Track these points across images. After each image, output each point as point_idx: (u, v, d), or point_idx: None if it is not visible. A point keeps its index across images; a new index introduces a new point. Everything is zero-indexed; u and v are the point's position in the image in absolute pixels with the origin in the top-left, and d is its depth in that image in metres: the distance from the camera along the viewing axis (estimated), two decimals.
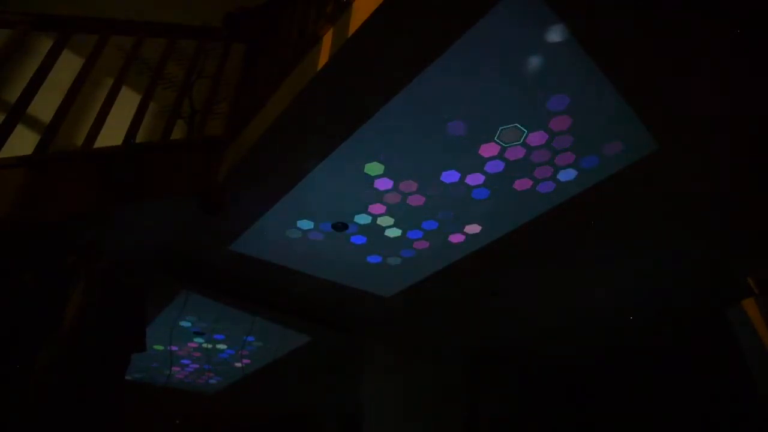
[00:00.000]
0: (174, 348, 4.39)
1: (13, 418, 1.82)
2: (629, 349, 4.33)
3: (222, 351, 4.52)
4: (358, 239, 3.08)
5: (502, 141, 2.36)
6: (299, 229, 2.98)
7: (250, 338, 4.25)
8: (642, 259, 3.12)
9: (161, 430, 5.12)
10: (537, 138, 2.33)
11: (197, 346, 4.42)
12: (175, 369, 4.82)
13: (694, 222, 2.76)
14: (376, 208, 2.80)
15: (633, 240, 2.94)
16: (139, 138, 2.39)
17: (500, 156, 2.44)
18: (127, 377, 2.45)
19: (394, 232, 3.01)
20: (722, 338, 3.00)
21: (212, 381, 5.18)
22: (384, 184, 2.64)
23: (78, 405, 2.04)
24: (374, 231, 3.00)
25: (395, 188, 2.66)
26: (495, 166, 2.50)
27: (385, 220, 2.91)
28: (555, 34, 1.86)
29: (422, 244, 3.10)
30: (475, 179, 2.58)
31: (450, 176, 2.57)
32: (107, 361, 2.30)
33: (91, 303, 2.16)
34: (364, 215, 2.86)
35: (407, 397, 4.24)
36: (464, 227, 2.93)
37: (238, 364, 4.72)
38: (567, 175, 2.52)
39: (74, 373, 2.03)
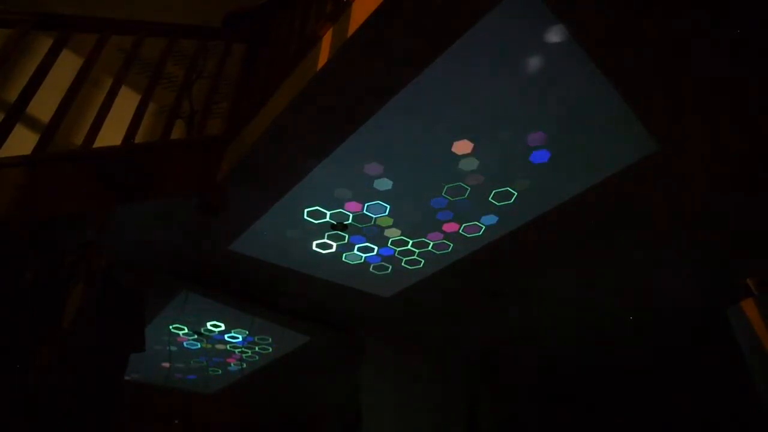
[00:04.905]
0: (173, 348, 4.39)
1: (14, 418, 1.81)
2: (628, 349, 4.33)
3: (221, 351, 4.51)
4: (358, 239, 3.08)
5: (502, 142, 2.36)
6: (299, 230, 2.98)
7: (249, 338, 4.25)
8: (642, 260, 3.12)
9: (160, 430, 5.11)
10: (537, 138, 2.33)
11: (196, 345, 4.42)
12: (174, 369, 4.82)
13: (693, 222, 2.76)
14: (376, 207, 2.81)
15: (633, 240, 2.94)
16: (139, 138, 2.39)
17: (500, 156, 2.44)
18: (126, 377, 2.45)
19: (393, 233, 3.01)
20: (722, 338, 3.01)
21: (211, 381, 5.18)
22: (383, 184, 2.64)
23: (77, 404, 2.04)
24: (374, 231, 3.00)
25: (395, 188, 2.66)
26: (495, 167, 2.50)
27: (384, 221, 2.91)
28: (555, 35, 1.86)
29: (422, 244, 3.10)
30: (475, 179, 2.58)
31: (450, 176, 2.57)
32: (106, 361, 2.30)
33: (91, 303, 2.16)
34: (364, 215, 2.86)
35: (407, 397, 4.23)
36: (463, 227, 2.93)
37: (237, 364, 4.72)
38: (567, 175, 2.52)
39: (73, 372, 2.03)
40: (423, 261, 3.27)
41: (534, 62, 1.99)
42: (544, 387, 5.04)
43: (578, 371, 4.81)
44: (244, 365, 4.72)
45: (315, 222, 2.93)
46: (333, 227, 2.96)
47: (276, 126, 2.22)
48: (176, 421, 5.18)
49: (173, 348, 4.39)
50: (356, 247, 3.14)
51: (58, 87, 2.18)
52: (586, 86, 2.05)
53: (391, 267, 3.33)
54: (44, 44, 2.27)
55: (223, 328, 4.09)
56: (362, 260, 3.27)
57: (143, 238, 2.94)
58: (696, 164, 2.38)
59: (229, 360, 4.70)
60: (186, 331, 4.13)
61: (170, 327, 4.01)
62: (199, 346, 4.42)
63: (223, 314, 3.84)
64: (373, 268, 3.34)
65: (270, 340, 4.26)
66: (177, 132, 2.65)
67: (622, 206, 2.69)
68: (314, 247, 3.14)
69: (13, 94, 2.11)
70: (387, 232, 3.01)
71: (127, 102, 2.44)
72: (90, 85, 2.38)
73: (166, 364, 4.73)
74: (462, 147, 2.39)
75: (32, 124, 2.56)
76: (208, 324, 4.04)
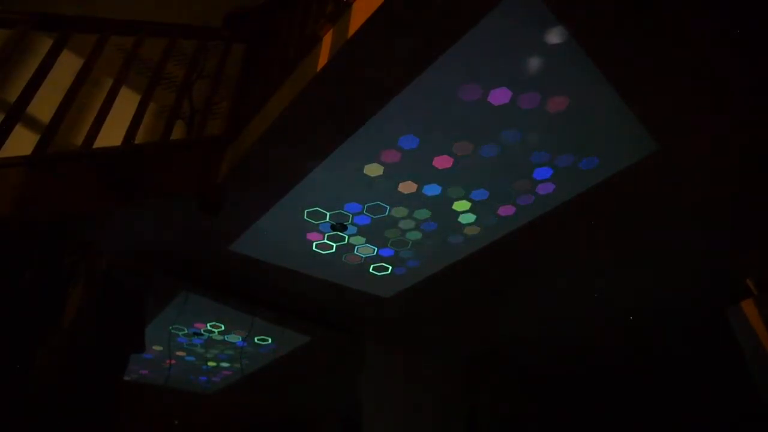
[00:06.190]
0: (173, 348, 4.39)
1: (14, 418, 1.82)
2: (629, 350, 4.33)
3: (221, 351, 4.52)
4: (358, 240, 3.08)
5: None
6: (299, 230, 2.98)
7: (249, 338, 4.24)
8: (642, 260, 3.12)
9: (160, 430, 5.11)
10: (536, 139, 2.33)
11: (196, 346, 4.42)
12: (173, 369, 4.82)
13: (693, 222, 2.76)
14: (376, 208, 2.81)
15: (633, 240, 2.94)
16: (139, 138, 2.40)
17: (500, 156, 2.44)
18: (126, 377, 2.45)
19: (393, 233, 3.01)
20: (722, 338, 3.01)
21: (211, 381, 5.18)
22: (384, 184, 2.63)
23: (77, 404, 2.04)
24: (374, 231, 3.00)
25: (395, 189, 2.66)
26: (494, 167, 2.50)
27: (384, 221, 2.90)
28: (555, 35, 1.86)
29: (422, 245, 3.10)
30: (475, 179, 2.58)
31: (450, 176, 2.57)
32: (106, 361, 2.30)
33: (91, 303, 2.16)
34: (363, 215, 2.87)
35: (407, 397, 4.23)
36: (463, 228, 2.93)
37: (237, 365, 4.72)
38: (567, 176, 2.52)
39: (73, 372, 2.03)
40: (423, 261, 3.27)
41: (534, 63, 1.99)
42: (544, 387, 5.04)
43: (578, 371, 4.81)
44: (244, 365, 4.72)
45: (315, 222, 2.93)
46: (333, 227, 2.96)
47: (276, 126, 2.22)
48: (176, 422, 5.18)
49: (173, 348, 4.39)
50: (356, 247, 3.14)
51: (58, 87, 2.18)
52: (586, 87, 2.05)
53: (391, 267, 3.34)
54: (44, 44, 2.27)
55: (223, 328, 4.09)
56: (362, 260, 3.27)
57: (143, 238, 2.94)
58: (696, 164, 2.38)
59: (228, 360, 4.70)
60: (186, 331, 4.13)
61: (170, 327, 4.01)
62: (199, 346, 4.42)
63: (223, 314, 3.84)
64: (373, 268, 3.35)
65: (270, 340, 4.26)
66: (177, 132, 2.66)
67: (621, 206, 2.70)
68: (314, 248, 3.14)
69: (13, 94, 2.11)
70: (387, 233, 3.01)
71: (127, 102, 2.45)
72: (90, 85, 2.38)
73: (166, 364, 4.73)
74: (462, 148, 2.40)
75: (32, 124, 2.56)
76: (208, 324, 4.04)
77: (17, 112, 2.05)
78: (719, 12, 1.75)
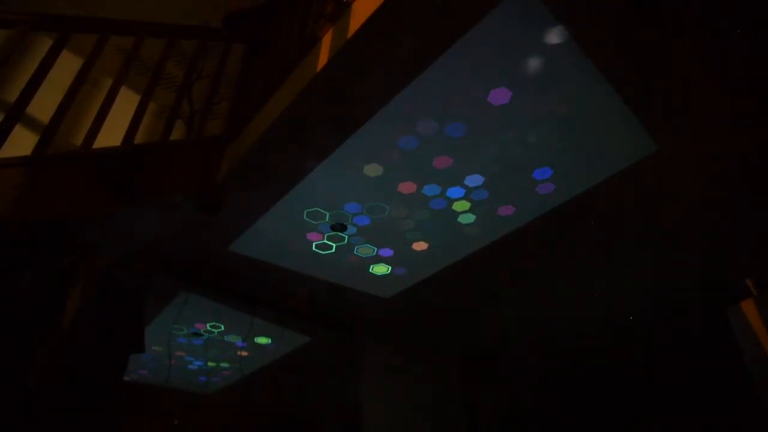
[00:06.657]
0: (172, 348, 4.39)
1: (14, 418, 1.81)
2: (628, 350, 4.33)
3: (221, 351, 4.51)
4: (358, 240, 3.08)
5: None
6: (299, 230, 2.98)
7: (248, 339, 4.25)
8: (641, 260, 3.12)
9: (160, 430, 5.12)
10: (536, 139, 2.33)
11: (196, 346, 4.42)
12: (173, 369, 4.82)
13: (693, 222, 2.76)
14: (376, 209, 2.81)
15: (632, 241, 2.94)
16: (139, 138, 2.40)
17: (500, 157, 2.44)
18: (126, 378, 2.45)
19: (393, 234, 3.01)
20: (722, 339, 3.01)
21: (211, 382, 5.18)
22: (384, 184, 2.63)
23: (77, 405, 2.04)
24: (374, 231, 3.00)
25: (395, 189, 2.66)
26: (494, 167, 2.51)
27: (384, 221, 2.90)
28: (554, 36, 1.86)
29: (421, 245, 3.10)
30: (474, 180, 2.58)
31: (449, 177, 2.57)
32: (106, 361, 2.30)
33: (90, 303, 2.16)
34: (363, 216, 2.86)
35: (407, 397, 4.23)
36: (463, 229, 2.93)
37: (236, 364, 4.72)
38: (567, 176, 2.52)
39: (73, 373, 2.03)
40: (423, 261, 3.27)
41: (534, 63, 1.99)
42: (544, 387, 5.04)
43: (578, 371, 4.81)
44: (244, 366, 4.72)
45: (315, 222, 2.92)
46: (332, 228, 2.96)
47: (276, 126, 2.22)
48: (175, 422, 5.19)
49: (173, 348, 4.39)
50: (356, 247, 3.14)
51: (58, 87, 2.18)
52: (586, 87, 2.05)
53: (391, 267, 3.33)
54: (44, 44, 2.27)
55: (222, 328, 4.09)
56: (362, 260, 3.27)
57: (143, 238, 2.94)
58: (696, 164, 2.38)
59: (228, 360, 4.70)
60: (186, 331, 4.13)
61: (170, 327, 4.01)
62: (198, 346, 4.42)
63: (222, 315, 3.84)
64: (373, 268, 3.34)
65: (270, 340, 4.26)
66: (177, 132, 2.65)
67: (622, 207, 2.70)
68: (314, 248, 3.14)
69: (13, 94, 2.11)
70: (386, 233, 3.01)
71: (127, 102, 2.45)
72: (90, 85, 2.38)
73: (166, 364, 4.73)
74: (461, 148, 2.39)
75: (32, 124, 2.56)
76: (208, 324, 4.04)
77: (17, 112, 2.05)
78: (719, 12, 1.75)
